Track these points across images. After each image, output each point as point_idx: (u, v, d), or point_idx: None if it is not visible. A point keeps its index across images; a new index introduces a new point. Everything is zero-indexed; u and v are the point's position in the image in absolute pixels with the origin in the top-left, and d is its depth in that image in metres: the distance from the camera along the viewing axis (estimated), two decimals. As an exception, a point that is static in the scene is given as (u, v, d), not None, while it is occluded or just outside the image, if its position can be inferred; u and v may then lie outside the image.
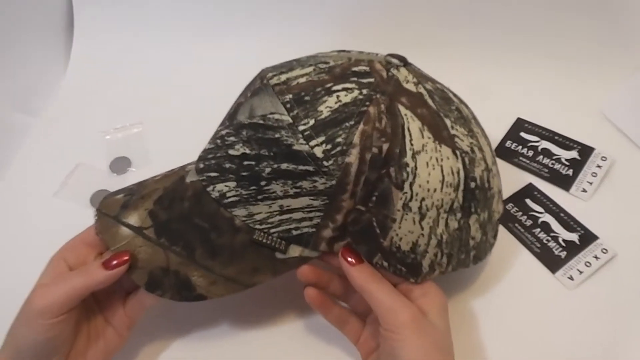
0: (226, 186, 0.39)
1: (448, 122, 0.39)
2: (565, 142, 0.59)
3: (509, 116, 0.62)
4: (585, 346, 0.45)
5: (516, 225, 0.53)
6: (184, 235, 0.39)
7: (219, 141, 0.41)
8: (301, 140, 0.37)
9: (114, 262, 0.37)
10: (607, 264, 0.50)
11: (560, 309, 0.47)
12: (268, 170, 0.38)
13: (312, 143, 0.36)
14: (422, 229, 0.39)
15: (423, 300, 0.39)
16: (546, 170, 0.57)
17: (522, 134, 0.60)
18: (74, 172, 0.59)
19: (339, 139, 0.36)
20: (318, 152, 0.36)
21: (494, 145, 0.59)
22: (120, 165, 0.60)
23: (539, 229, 0.52)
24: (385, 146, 0.37)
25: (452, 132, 0.39)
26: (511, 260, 0.51)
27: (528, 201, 0.54)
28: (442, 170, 0.38)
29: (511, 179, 0.56)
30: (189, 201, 0.40)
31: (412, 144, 0.37)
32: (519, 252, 0.51)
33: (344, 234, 0.39)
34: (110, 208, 0.41)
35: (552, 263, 0.50)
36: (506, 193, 0.52)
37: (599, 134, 0.59)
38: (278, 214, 0.39)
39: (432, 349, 0.36)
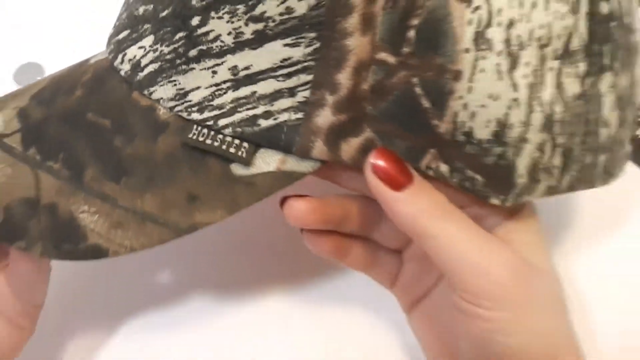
0: (140, 48, 0.24)
1: None
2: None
3: None
4: None
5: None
6: (68, 143, 0.24)
7: None
8: None
9: None
10: None
11: None
12: None
13: None
14: (515, 88, 0.20)
15: (509, 229, 0.23)
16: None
17: None
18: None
19: None
20: None
21: None
22: (28, 73, 0.41)
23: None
24: None
25: None
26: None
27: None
28: None
29: None
30: (84, 88, 0.25)
31: None
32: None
33: (359, 122, 0.22)
34: None
35: None
36: None
37: None
38: (231, 86, 0.23)
39: (551, 324, 0.22)
